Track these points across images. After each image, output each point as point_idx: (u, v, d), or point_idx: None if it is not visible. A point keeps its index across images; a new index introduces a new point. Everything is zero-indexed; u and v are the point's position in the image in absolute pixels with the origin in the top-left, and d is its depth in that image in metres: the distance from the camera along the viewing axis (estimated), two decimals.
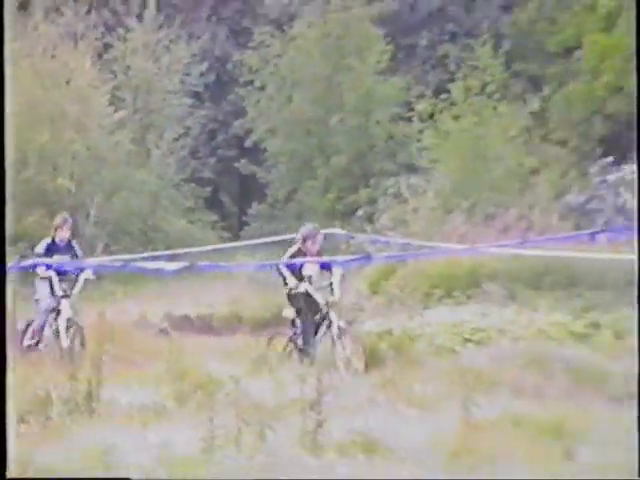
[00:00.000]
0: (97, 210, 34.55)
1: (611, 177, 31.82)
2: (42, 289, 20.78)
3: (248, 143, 41.15)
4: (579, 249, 21.74)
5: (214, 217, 40.94)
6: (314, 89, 40.54)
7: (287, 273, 19.07)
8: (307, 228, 19.92)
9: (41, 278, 20.74)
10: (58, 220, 21.30)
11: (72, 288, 20.72)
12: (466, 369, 16.19)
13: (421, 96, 36.68)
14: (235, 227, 41.35)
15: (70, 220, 21.43)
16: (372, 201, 34.48)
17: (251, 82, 41.01)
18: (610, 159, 32.73)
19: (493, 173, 32.51)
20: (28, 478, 6.23)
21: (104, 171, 36.59)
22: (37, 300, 20.92)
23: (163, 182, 38.81)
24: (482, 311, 21.23)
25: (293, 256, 19.11)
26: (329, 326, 19.02)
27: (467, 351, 18.51)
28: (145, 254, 26.98)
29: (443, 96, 34.97)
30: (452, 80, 35.45)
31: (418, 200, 31.45)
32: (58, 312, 20.53)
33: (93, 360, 14.83)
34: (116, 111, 37.93)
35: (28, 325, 20.89)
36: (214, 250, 25.33)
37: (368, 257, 22.18)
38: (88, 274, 20.95)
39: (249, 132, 40.91)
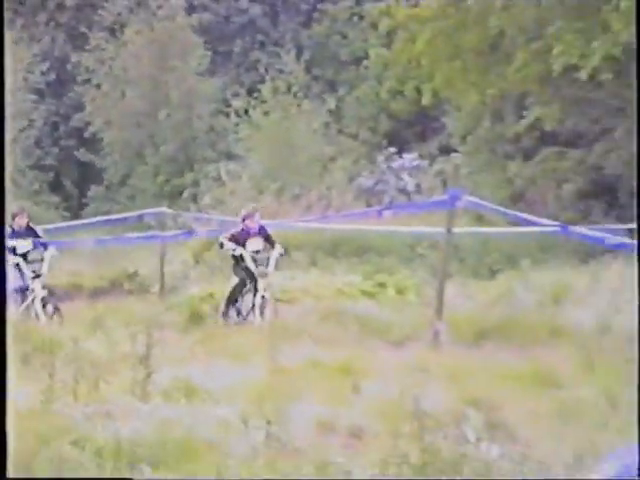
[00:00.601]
0: None
1: (394, 164, 32.55)
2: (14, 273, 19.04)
3: (86, 134, 40.88)
4: (369, 223, 22.16)
5: (57, 199, 40.47)
6: (143, 87, 40.62)
7: (225, 241, 18.70)
8: (246, 209, 19.29)
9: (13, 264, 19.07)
10: (15, 209, 19.57)
11: (40, 268, 19.45)
12: (276, 324, 16.39)
13: (236, 95, 37.07)
14: (75, 208, 40.93)
15: (25, 209, 20.27)
16: (195, 184, 34.58)
17: (88, 81, 40.85)
18: (393, 149, 33.42)
19: (298, 160, 32.89)
20: (28, 478, 6.21)
21: None
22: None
23: (10, 169, 38.24)
24: (290, 275, 21.44)
25: (235, 233, 18.71)
26: (255, 293, 18.41)
27: (278, 309, 18.59)
28: None
29: (255, 95, 35.23)
30: (262, 82, 35.86)
31: (235, 183, 31.56)
32: (25, 293, 19.22)
33: None
34: None
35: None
36: (57, 228, 25.08)
37: (192, 232, 22.31)
38: (52, 251, 19.79)
39: (87, 124, 40.66)
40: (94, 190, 40.69)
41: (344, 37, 40.77)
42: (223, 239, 18.76)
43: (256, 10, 42.53)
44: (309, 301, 19.30)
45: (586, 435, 8.38)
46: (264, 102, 34.46)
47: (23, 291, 19.18)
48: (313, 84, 36.22)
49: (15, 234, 19.26)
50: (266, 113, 34.07)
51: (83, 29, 42.29)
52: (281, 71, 35.14)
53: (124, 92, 40.75)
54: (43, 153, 41.48)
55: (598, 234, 16.90)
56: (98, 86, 40.76)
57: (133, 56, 40.32)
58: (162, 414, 9.72)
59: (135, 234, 23.26)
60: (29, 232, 19.72)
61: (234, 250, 18.63)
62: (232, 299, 18.76)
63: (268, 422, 9.06)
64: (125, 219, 26.86)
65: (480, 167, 30.59)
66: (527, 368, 12.57)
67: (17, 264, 19.10)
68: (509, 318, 16.60)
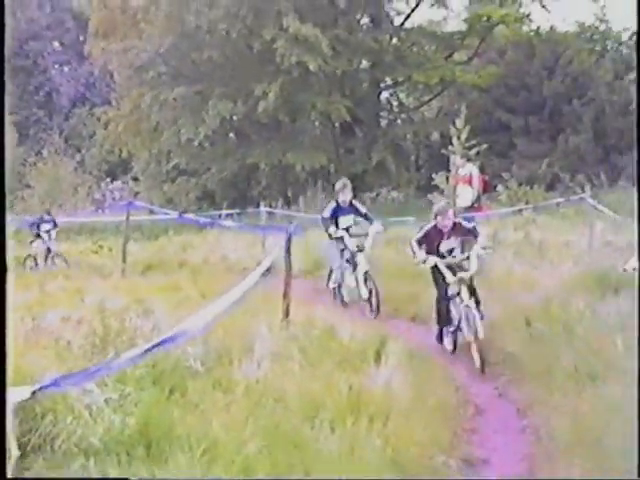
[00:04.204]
0: None
1: (110, 187, 31.78)
2: (336, 247, 11.50)
3: None
4: (98, 216, 21.40)
5: None
6: None
7: (415, 248, 8.91)
8: (438, 205, 9.63)
9: (335, 238, 11.47)
10: (338, 185, 11.86)
11: (364, 242, 11.29)
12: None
13: (30, 156, 33.97)
14: None
15: (349, 184, 11.67)
16: (11, 202, 31.75)
17: None
18: (109, 180, 32.61)
19: (62, 187, 30.39)
20: (28, 478, 4.41)
21: None
22: (334, 253, 11.60)
23: None
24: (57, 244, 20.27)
25: (428, 232, 8.96)
26: (461, 302, 8.45)
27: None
28: None
29: (39, 157, 32.55)
30: (42, 150, 33.26)
31: (31, 200, 29.46)
32: (355, 265, 11.16)
33: None
34: None
35: (331, 272, 11.89)
36: None
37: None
38: (377, 227, 11.50)
39: None
40: None
41: (84, 124, 39.14)
42: (414, 244, 8.88)
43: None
44: (68, 257, 17.95)
45: (189, 311, 8.42)
46: (44, 158, 32.44)
47: (349, 261, 11.38)
48: (68, 148, 34.49)
49: (339, 209, 11.72)
50: (45, 166, 31.88)
51: None
52: (52, 143, 33.20)
53: None
54: None
55: (203, 219, 16.91)
56: None
57: None
58: None
59: None
60: (351, 208, 11.76)
61: (424, 262, 8.73)
62: (443, 318, 8.73)
63: (34, 319, 8.73)
64: None
65: (150, 187, 30.01)
66: (167, 283, 12.32)
67: (341, 237, 11.45)
68: (160, 260, 16.47)
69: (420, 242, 8.80)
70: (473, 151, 16.85)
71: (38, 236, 16.87)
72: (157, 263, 16.15)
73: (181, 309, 9.38)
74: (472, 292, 8.34)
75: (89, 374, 4.78)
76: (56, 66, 42.91)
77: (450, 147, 17.43)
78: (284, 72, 25.83)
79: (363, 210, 11.48)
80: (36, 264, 16.59)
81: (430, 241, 8.72)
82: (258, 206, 18.75)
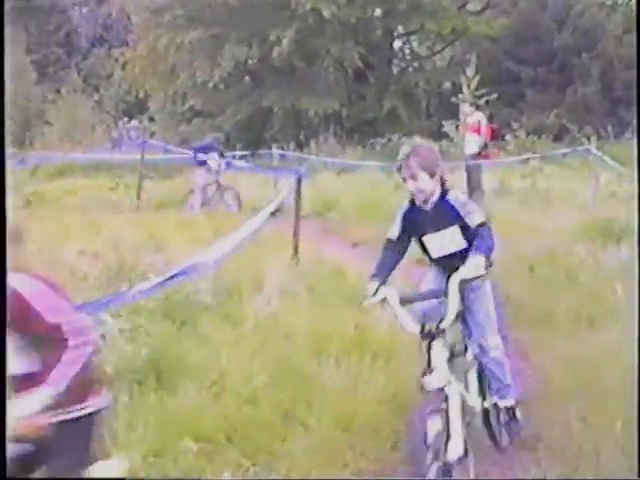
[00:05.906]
0: None
1: (127, 126, 30.84)
2: None
3: None
4: (115, 153, 20.75)
5: None
6: None
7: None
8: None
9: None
10: (404, 151, 3.82)
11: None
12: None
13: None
14: None
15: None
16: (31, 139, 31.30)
17: None
18: (127, 119, 31.72)
19: (84, 125, 29.70)
20: (28, 478, 3.59)
21: None
22: None
23: None
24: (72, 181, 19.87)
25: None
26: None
27: None
28: None
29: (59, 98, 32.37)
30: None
31: (51, 136, 29.08)
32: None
33: None
34: None
35: None
36: None
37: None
38: (474, 263, 3.63)
39: None
40: None
41: (102, 65, 38.20)
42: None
43: None
44: (86, 193, 17.11)
45: (201, 248, 8.25)
46: (62, 97, 31.68)
47: None
48: (86, 87, 33.85)
49: (419, 215, 4.00)
50: (64, 104, 31.45)
51: None
52: (71, 82, 32.53)
53: None
54: None
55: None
56: None
57: None
58: None
59: None
60: (447, 211, 3.89)
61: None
62: None
63: (50, 253, 8.55)
64: None
65: (166, 127, 29.40)
66: (180, 220, 11.76)
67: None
68: (175, 198, 15.70)
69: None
70: (482, 100, 16.68)
71: (203, 164, 13.78)
72: (171, 201, 15.64)
73: (193, 245, 9.29)
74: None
75: (102, 304, 4.76)
76: (75, 7, 42.50)
77: (460, 95, 17.27)
78: (299, 18, 25.45)
79: (470, 214, 3.94)
80: (204, 201, 13.67)
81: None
82: (271, 148, 18.51)
